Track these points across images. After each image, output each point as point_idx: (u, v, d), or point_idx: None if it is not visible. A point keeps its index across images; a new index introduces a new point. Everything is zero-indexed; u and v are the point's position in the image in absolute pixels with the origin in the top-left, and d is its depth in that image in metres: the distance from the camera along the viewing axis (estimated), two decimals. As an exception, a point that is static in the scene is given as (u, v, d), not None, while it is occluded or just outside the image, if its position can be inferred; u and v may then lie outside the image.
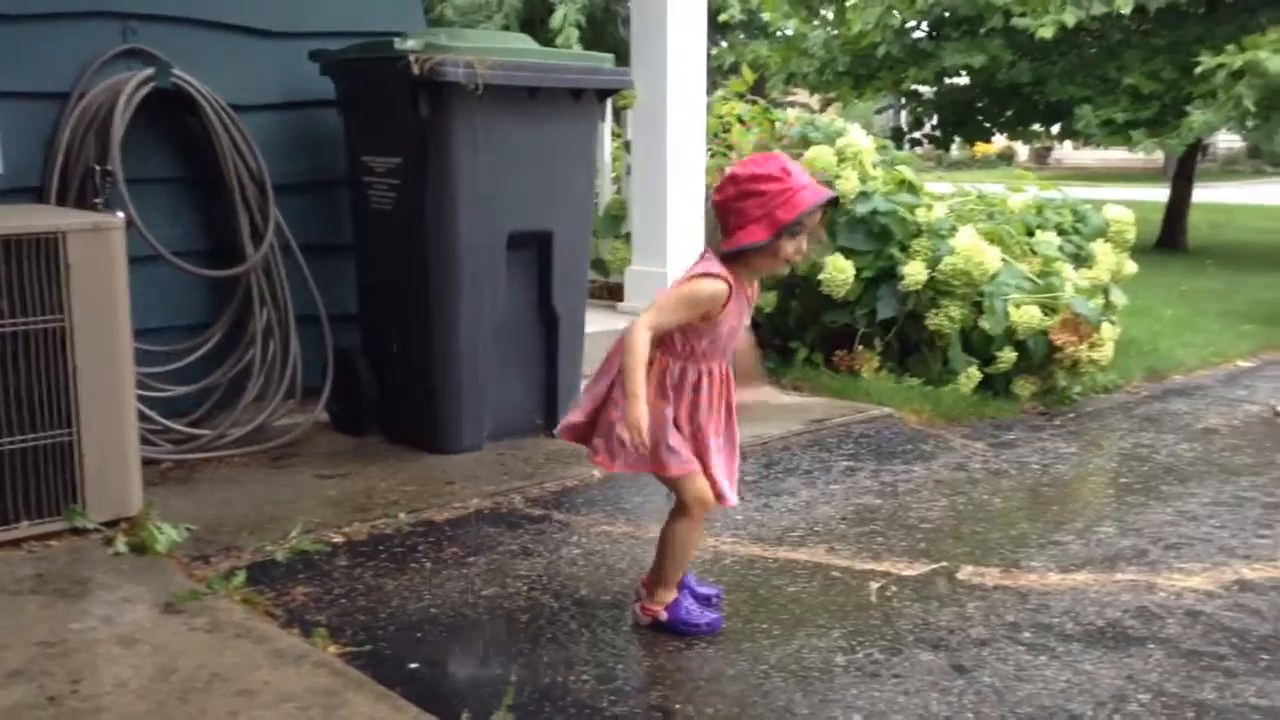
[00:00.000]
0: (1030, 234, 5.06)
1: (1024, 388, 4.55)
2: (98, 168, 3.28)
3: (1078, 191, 6.36)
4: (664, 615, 2.38)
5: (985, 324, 4.44)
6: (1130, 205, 5.70)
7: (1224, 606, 2.57)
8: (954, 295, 4.51)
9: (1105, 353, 4.62)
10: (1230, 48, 8.11)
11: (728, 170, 2.28)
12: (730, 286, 2.21)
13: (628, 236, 5.07)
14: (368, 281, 3.70)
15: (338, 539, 2.77)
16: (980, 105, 11.41)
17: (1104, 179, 20.23)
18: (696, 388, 2.27)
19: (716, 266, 2.23)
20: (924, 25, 10.83)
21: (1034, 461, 3.79)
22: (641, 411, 2.15)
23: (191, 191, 3.65)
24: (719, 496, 2.33)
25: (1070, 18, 8.79)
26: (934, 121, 12.08)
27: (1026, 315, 4.42)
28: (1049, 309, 4.48)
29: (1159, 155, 10.51)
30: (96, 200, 3.28)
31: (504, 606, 2.46)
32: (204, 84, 3.50)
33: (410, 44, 3.28)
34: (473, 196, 3.34)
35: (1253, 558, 2.89)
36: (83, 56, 3.40)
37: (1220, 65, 8.09)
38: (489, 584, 2.58)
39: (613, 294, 5.05)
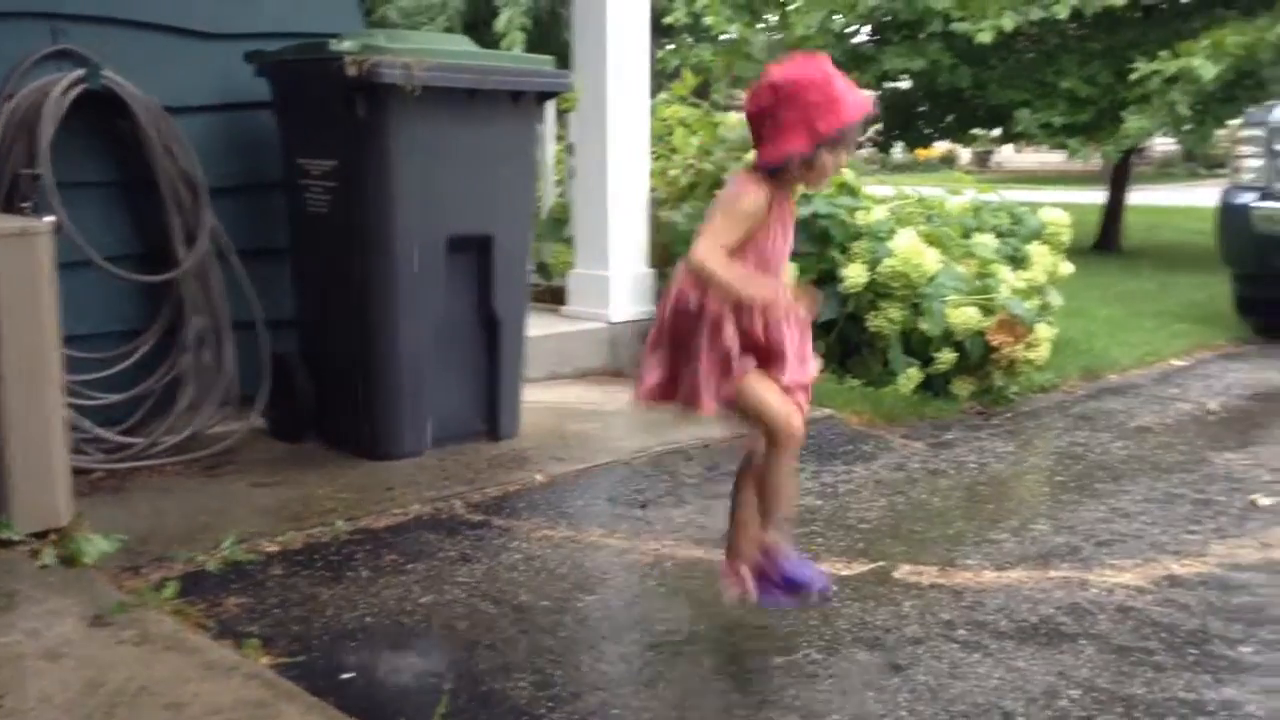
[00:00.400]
0: (968, 236, 5.13)
1: (962, 388, 4.60)
2: (25, 171, 3.21)
3: (1017, 194, 6.46)
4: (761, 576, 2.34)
5: (924, 325, 4.49)
6: (1068, 208, 5.80)
7: (1154, 602, 2.61)
8: (893, 297, 4.56)
9: (1041, 353, 4.69)
10: (1164, 54, 8.28)
11: (765, 75, 2.12)
12: (767, 193, 2.11)
13: (571, 240, 5.07)
14: (305, 286, 3.66)
15: (272, 548, 2.73)
16: (922, 109, 11.53)
17: (1044, 182, 20.54)
18: (753, 314, 2.16)
19: (745, 181, 2.14)
20: (865, 30, 10.93)
21: (972, 461, 3.84)
22: (760, 282, 2.08)
23: (123, 195, 3.58)
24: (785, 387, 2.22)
25: (1008, 22, 8.92)
26: (877, 125, 12.19)
27: (964, 316, 4.48)
28: (986, 310, 4.53)
29: (1097, 158, 10.72)
30: (24, 205, 3.21)
31: (441, 614, 2.45)
32: (136, 86, 3.44)
33: (346, 45, 3.25)
34: (411, 199, 3.32)
35: (1182, 554, 2.95)
36: (10, 57, 3.32)
37: (1155, 71, 8.25)
38: (427, 591, 2.56)
39: (555, 297, 5.04)
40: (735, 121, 5.71)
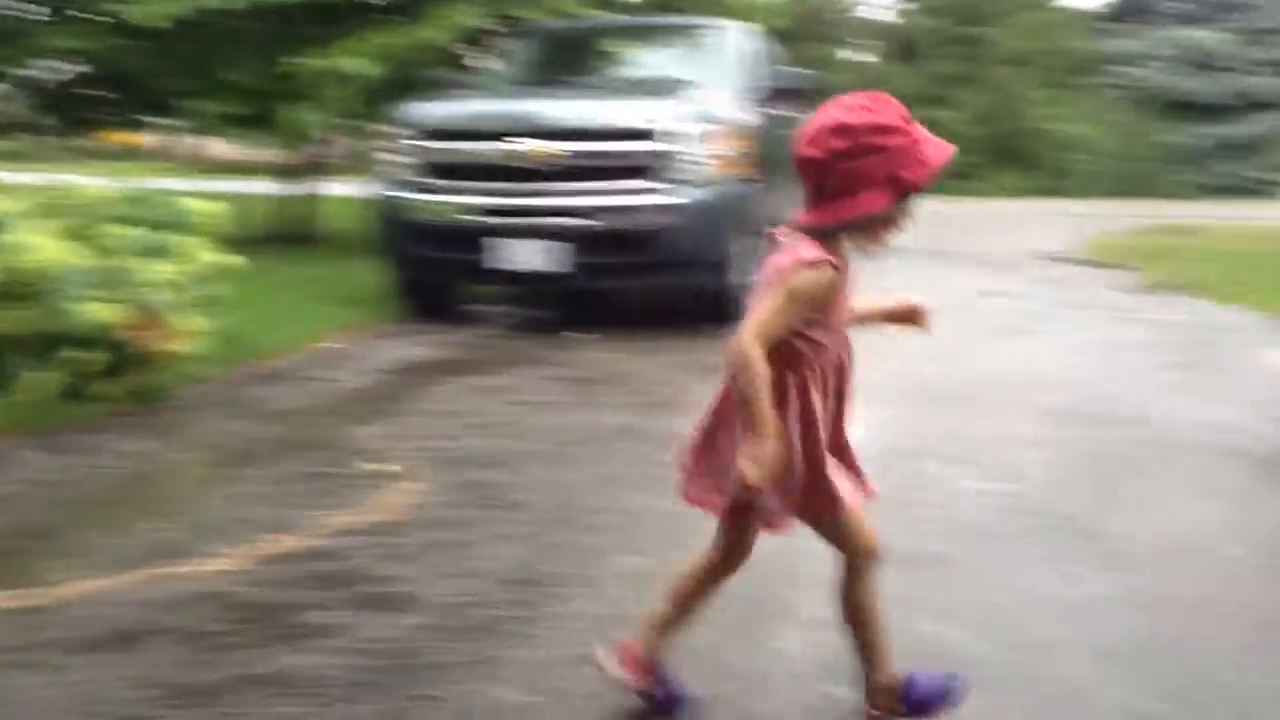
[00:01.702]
0: (110, 228, 4.85)
1: (106, 388, 4.35)
2: None
3: (212, 184, 6.27)
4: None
5: (54, 325, 4.16)
6: (258, 198, 5.76)
7: (248, 583, 2.67)
8: (16, 296, 4.16)
9: (190, 344, 4.61)
10: (322, 50, 8.66)
11: (830, 117, 1.80)
12: (837, 268, 1.83)
13: None
14: None
15: None
16: (93, 93, 10.78)
17: (246, 172, 20.50)
18: (825, 388, 1.91)
19: (811, 248, 1.82)
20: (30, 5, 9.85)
21: (108, 465, 3.65)
22: (774, 446, 1.78)
23: None
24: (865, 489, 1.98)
25: (174, 8, 8.65)
26: (53, 109, 11.13)
27: (101, 313, 4.23)
28: (128, 305, 4.34)
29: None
30: None
31: None
32: None
33: None
34: None
35: (295, 529, 3.04)
36: None
37: (313, 68, 8.61)
38: None
39: None
40: None
